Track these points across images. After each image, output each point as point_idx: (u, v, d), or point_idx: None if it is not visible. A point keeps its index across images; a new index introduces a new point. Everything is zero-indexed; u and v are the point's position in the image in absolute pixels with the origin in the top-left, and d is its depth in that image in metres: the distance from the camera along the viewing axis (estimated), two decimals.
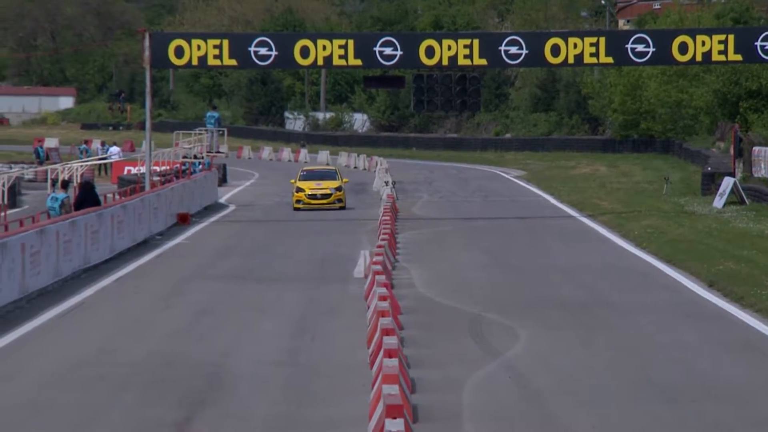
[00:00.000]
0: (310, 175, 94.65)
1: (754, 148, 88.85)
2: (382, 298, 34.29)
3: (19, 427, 25.38)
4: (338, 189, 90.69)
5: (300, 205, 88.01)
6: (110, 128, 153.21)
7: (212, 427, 25.18)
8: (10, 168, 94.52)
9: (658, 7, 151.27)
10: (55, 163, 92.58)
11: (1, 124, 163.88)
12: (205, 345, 35.73)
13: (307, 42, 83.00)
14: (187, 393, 28.91)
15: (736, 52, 79.34)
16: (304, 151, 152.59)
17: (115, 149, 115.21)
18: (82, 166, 78.15)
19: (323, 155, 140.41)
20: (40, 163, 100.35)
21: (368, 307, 37.37)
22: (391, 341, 28.42)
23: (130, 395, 28.59)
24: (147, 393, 28.75)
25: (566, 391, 29.60)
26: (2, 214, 57.80)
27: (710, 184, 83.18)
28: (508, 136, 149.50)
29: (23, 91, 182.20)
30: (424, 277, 48.01)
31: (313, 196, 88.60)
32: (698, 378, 31.27)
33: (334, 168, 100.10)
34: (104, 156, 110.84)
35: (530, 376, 31.33)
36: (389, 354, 26.92)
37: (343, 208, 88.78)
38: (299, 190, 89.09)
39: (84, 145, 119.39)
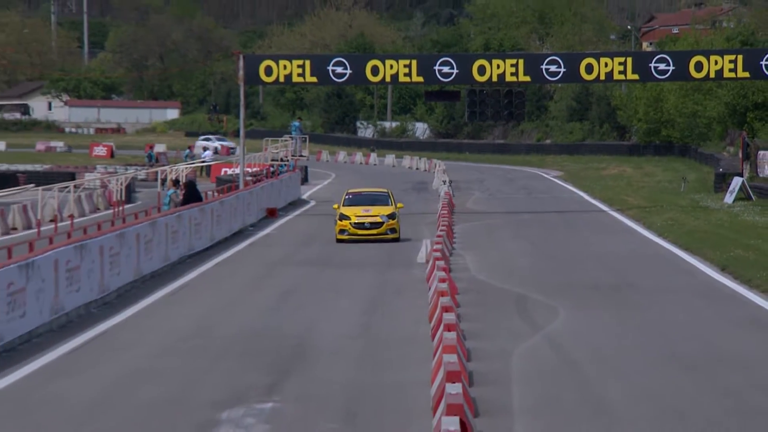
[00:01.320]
0: (357, 200, 65.23)
1: (759, 152, 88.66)
2: (442, 280, 34.24)
3: (137, 388, 25.78)
4: (391, 216, 62.48)
5: (344, 236, 60.97)
6: (210, 136, 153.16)
7: (298, 392, 25.44)
8: (126, 170, 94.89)
9: (677, 31, 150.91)
10: (163, 165, 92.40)
11: (118, 132, 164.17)
12: (290, 321, 36.06)
13: (377, 62, 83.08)
14: (275, 362, 29.31)
15: (744, 70, 79.18)
16: (373, 155, 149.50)
17: (209, 153, 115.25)
18: (186, 167, 78.12)
19: (390, 158, 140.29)
20: (151, 166, 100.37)
21: (429, 288, 37.20)
22: (449, 317, 28.39)
23: (227, 363, 29.10)
24: (241, 361, 29.42)
25: (599, 361, 29.82)
26: (120, 208, 58.03)
27: (721, 183, 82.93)
28: (548, 141, 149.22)
29: (136, 104, 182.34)
30: (477, 262, 48.08)
31: (360, 225, 61.31)
32: (713, 350, 31.26)
33: (386, 190, 69.77)
34: (201, 158, 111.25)
35: (568, 348, 31.53)
36: (448, 328, 26.89)
37: (397, 239, 61.69)
38: (343, 217, 61.59)
39: (188, 150, 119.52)
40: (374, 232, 59.14)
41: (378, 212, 60.52)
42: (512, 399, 25.06)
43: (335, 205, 59.90)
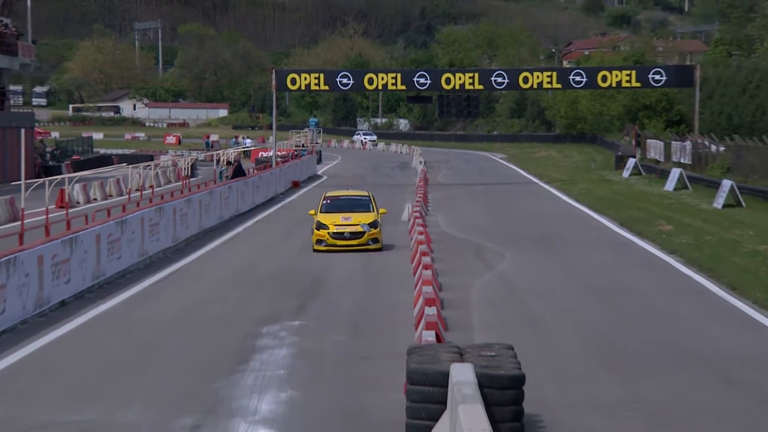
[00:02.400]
0: (335, 205, 45.60)
1: (647, 140, 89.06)
2: (420, 233, 34.29)
3: (201, 309, 27.05)
4: (373, 225, 44.21)
5: (321, 247, 42.28)
6: (249, 129, 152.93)
7: (317, 312, 26.53)
8: (190, 153, 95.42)
9: (588, 53, 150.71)
10: (217, 150, 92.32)
11: (183, 126, 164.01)
12: (311, 262, 36.22)
13: (372, 75, 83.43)
14: (301, 291, 30.06)
15: (636, 81, 79.27)
16: (371, 144, 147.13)
17: (249, 141, 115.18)
18: (234, 152, 78.02)
19: (381, 145, 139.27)
20: (207, 150, 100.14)
21: (411, 239, 37.30)
22: (426, 259, 28.53)
23: (266, 292, 29.87)
24: (277, 290, 30.27)
25: (534, 290, 30.22)
26: (186, 181, 58.06)
27: (620, 162, 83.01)
28: (495, 133, 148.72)
29: (196, 106, 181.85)
30: (445, 220, 48.08)
31: (339, 235, 42.95)
32: (616, 283, 31.64)
33: (367, 194, 50.06)
34: (242, 145, 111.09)
35: (512, 282, 31.81)
36: (425, 267, 27.03)
37: (380, 249, 43.38)
38: (321, 226, 43.08)
39: (234, 139, 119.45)
40: (354, 242, 39.94)
41: (358, 220, 40.63)
42: (472, 319, 25.56)
43: (311, 211, 40.54)
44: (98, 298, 28.93)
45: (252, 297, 29.48)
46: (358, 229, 36.95)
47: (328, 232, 36.70)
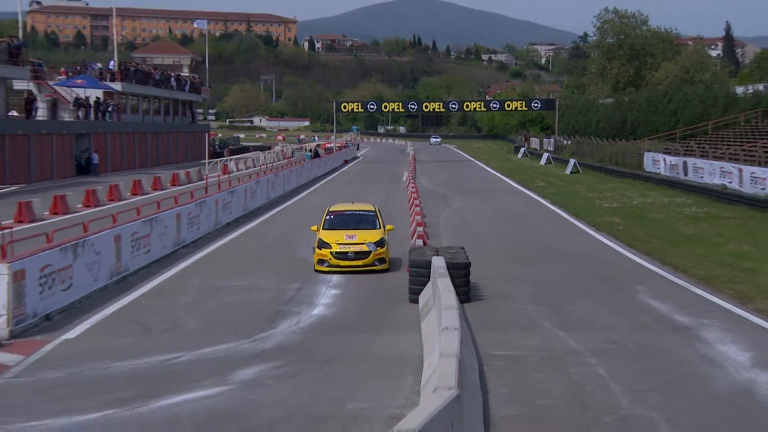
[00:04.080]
0: (339, 221, 20.68)
1: (530, 138, 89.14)
2: (413, 187, 34.07)
3: (302, 226, 24.98)
4: (379, 244, 19.71)
5: (324, 267, 19.16)
6: (320, 132, 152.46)
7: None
8: (291, 146, 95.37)
9: (499, 92, 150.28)
10: (304, 143, 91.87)
11: (285, 130, 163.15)
12: (352, 201, 35.50)
13: (386, 103, 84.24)
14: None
15: (524, 107, 78.64)
16: (386, 141, 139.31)
17: (317, 138, 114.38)
18: (313, 145, 77.99)
19: (389, 142, 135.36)
20: (299, 143, 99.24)
21: (407, 189, 36.44)
22: (417, 201, 28.49)
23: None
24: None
25: (475, 218, 29.90)
26: (289, 160, 57.54)
27: (517, 150, 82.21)
28: (450, 134, 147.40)
29: (292, 120, 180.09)
30: (426, 181, 46.86)
31: (342, 255, 19.32)
32: (519, 215, 31.50)
33: (373, 209, 21.72)
34: (315, 141, 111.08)
35: (462, 214, 31.48)
36: (416, 206, 27.00)
37: (387, 269, 19.62)
38: (323, 245, 19.43)
39: (313, 138, 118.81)
40: (359, 263, 19.59)
41: (364, 238, 19.91)
42: (441, 232, 25.37)
43: (313, 227, 20.58)
44: (241, 224, 28.42)
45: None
46: (363, 248, 19.08)
47: (331, 252, 18.90)
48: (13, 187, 21.63)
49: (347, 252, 18.55)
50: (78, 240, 15.57)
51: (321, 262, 18.62)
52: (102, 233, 16.88)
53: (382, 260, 18.89)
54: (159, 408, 9.82)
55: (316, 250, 18.73)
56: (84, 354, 12.10)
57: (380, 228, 19.62)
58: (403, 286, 16.22)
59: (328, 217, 19.97)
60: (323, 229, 19.35)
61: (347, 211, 20.44)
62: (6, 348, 12.31)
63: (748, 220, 28.24)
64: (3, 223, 23.63)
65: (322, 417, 9.50)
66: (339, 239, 18.75)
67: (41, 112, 48.42)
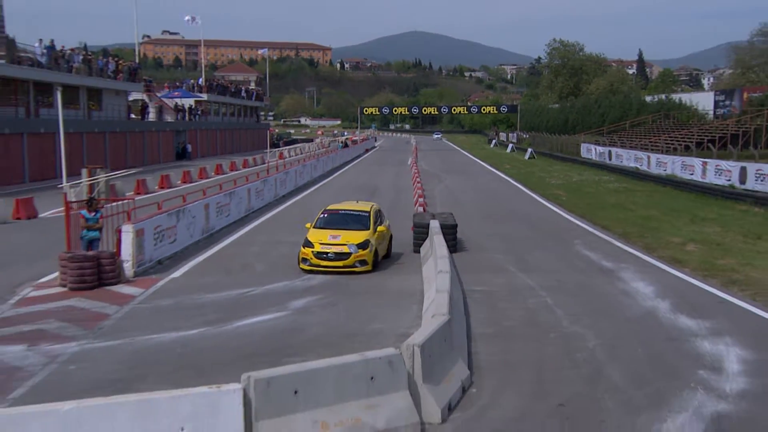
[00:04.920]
0: (331, 220, 14.00)
1: (499, 133, 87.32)
2: (415, 169, 33.85)
3: (338, 195, 23.63)
4: (363, 246, 13.02)
5: (306, 266, 12.96)
6: (348, 129, 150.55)
7: (377, 200, 22.30)
8: (327, 138, 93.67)
9: (478, 99, 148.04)
10: (337, 137, 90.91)
11: (323, 127, 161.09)
12: (372, 180, 34.33)
13: (396, 108, 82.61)
14: (370, 193, 27.72)
15: (495, 110, 77.85)
16: (395, 135, 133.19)
17: (346, 133, 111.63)
18: (344, 138, 77.36)
19: (398, 135, 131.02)
20: (334, 137, 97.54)
21: (411, 171, 36.00)
22: (418, 179, 28.28)
23: (350, 192, 27.25)
24: (356, 192, 26.46)
25: (459, 191, 29.27)
26: (327, 149, 56.76)
27: (490, 141, 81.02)
28: (442, 130, 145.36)
29: (328, 120, 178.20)
30: (425, 164, 45.74)
31: (322, 255, 12.90)
32: (489, 188, 30.83)
33: (368, 209, 14.23)
34: (345, 135, 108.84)
35: (451, 188, 30.79)
36: (417, 182, 26.76)
37: (369, 270, 12.99)
38: (307, 244, 13.13)
39: (343, 133, 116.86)
40: (339, 264, 12.97)
41: (347, 239, 13.24)
42: (435, 202, 24.69)
43: (308, 224, 14.20)
44: (293, 195, 27.85)
45: (356, 192, 26.14)
46: (344, 249, 13.21)
47: (312, 251, 13.25)
48: (133, 170, 21.70)
49: (327, 252, 13.13)
50: (179, 207, 15.56)
51: (304, 260, 13.27)
52: (196, 203, 16.76)
53: (363, 262, 13.22)
54: (238, 326, 9.85)
55: (302, 248, 13.43)
56: (185, 288, 12.10)
57: (369, 229, 13.78)
58: (409, 242, 16.09)
59: (322, 215, 14.53)
60: (314, 227, 13.97)
61: (341, 210, 14.64)
62: (132, 283, 12.36)
63: (653, 192, 28.08)
64: (127, 194, 23.88)
65: (353, 333, 9.45)
66: (323, 239, 13.40)
67: (151, 116, 48.59)
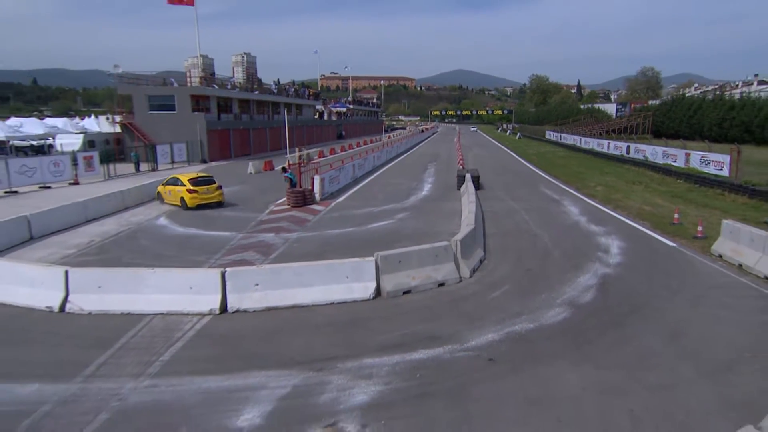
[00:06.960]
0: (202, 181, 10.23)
1: (503, 124, 75.84)
2: (458, 144, 31.63)
3: (405, 170, 19.39)
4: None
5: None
6: (425, 122, 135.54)
7: (438, 161, 20.76)
8: (410, 128, 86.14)
9: (492, 106, 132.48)
10: (417, 127, 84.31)
11: (410, 121, 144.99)
12: (435, 150, 32.21)
13: (448, 110, 74.89)
14: (435, 157, 26.06)
15: (502, 112, 72.74)
16: (447, 124, 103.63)
17: (422, 124, 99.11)
18: (423, 127, 72.43)
19: (449, 125, 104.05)
20: (416, 126, 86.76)
21: (456, 144, 33.53)
22: (459, 151, 26.09)
23: (425, 156, 26.02)
24: (426, 157, 25.11)
25: (482, 157, 26.84)
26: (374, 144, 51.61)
27: (497, 129, 72.85)
28: (472, 121, 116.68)
29: (413, 116, 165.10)
30: (463, 141, 41.52)
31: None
32: (499, 156, 28.50)
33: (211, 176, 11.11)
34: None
35: (477, 154, 28.60)
36: (459, 152, 24.81)
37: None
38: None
39: (421, 124, 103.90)
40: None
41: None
42: (468, 163, 22.96)
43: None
44: (394, 159, 25.43)
45: (425, 161, 23.03)
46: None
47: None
48: (316, 147, 22.50)
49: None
50: (341, 166, 16.13)
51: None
52: (349, 163, 17.07)
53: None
54: (370, 227, 10.44)
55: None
56: (345, 207, 12.52)
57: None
58: (455, 184, 15.62)
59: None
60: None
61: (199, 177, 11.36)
62: (319, 204, 12.98)
63: (583, 159, 25.56)
64: (314, 159, 24.21)
65: (426, 233, 9.88)
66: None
67: (325, 117, 49.30)
